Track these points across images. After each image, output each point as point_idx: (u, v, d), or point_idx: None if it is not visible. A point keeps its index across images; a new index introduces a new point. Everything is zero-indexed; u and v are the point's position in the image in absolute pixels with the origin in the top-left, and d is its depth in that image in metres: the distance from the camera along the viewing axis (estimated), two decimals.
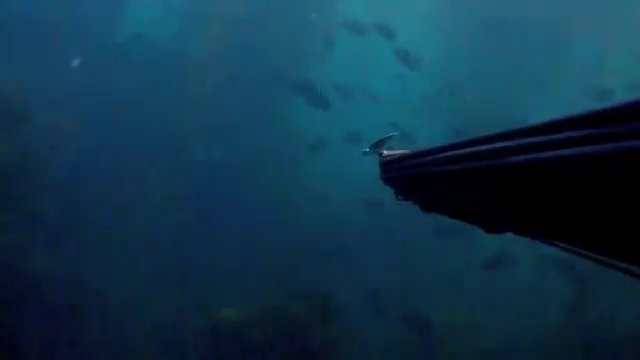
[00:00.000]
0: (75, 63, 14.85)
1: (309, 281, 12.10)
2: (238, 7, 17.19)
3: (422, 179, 1.78)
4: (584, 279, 10.44)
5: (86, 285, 11.70)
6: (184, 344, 10.85)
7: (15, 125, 12.63)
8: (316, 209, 16.51)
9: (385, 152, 2.34)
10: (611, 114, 0.81)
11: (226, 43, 16.67)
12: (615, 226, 0.92)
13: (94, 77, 15.41)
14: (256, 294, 11.49)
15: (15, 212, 11.53)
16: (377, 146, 2.32)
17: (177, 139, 15.69)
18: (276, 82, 17.18)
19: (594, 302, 10.73)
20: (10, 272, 10.65)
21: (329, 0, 19.99)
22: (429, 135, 16.09)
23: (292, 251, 14.28)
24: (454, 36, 19.53)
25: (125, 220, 14.08)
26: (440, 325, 12.31)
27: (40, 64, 14.62)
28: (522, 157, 1.03)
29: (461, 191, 1.53)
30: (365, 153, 2.42)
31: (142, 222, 14.22)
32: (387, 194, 2.34)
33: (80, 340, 10.72)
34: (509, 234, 1.49)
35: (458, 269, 14.57)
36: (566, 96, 17.51)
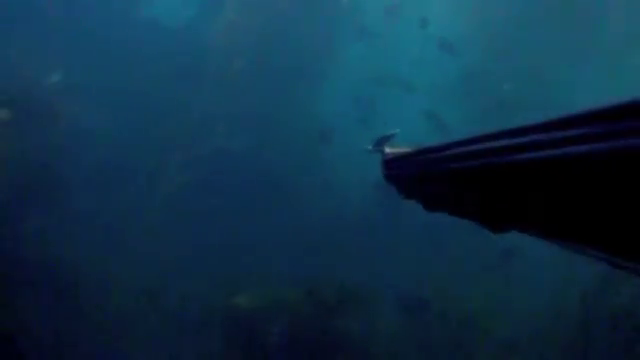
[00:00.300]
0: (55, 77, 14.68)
1: (328, 271, 12.03)
2: None
3: (425, 177, 1.77)
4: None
5: (105, 271, 11.92)
6: (199, 330, 10.97)
7: (44, 123, 12.86)
8: (340, 197, 16.25)
9: (387, 150, 2.31)
10: (614, 112, 0.81)
11: (246, 28, 16.45)
12: (619, 225, 0.91)
13: (112, 65, 15.46)
14: (271, 282, 11.53)
15: (38, 201, 11.80)
16: (380, 143, 2.30)
17: (196, 126, 15.68)
18: (301, 68, 16.96)
19: (617, 288, 10.57)
20: (33, 258, 10.96)
21: None
22: (464, 121, 15.87)
23: (312, 239, 14.17)
24: (487, 15, 18.96)
25: (144, 208, 14.19)
26: (459, 314, 12.24)
27: (59, 53, 14.80)
28: (526, 155, 1.03)
29: (464, 189, 1.51)
30: (368, 151, 2.41)
31: (161, 210, 14.32)
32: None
33: (98, 325, 10.94)
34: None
35: (477, 257, 14.40)
36: (607, 73, 16.91)
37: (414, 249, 14.38)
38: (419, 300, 12.11)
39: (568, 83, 16.31)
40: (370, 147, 2.49)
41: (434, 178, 1.65)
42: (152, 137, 15.15)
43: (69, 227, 12.32)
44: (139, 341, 11.11)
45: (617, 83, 16.11)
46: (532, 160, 1.01)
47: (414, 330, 11.81)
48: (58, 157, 12.82)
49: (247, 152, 15.48)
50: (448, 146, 1.44)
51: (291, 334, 10.39)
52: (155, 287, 12.17)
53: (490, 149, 1.17)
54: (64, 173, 12.83)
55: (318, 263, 12.87)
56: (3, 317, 9.96)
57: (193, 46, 16.37)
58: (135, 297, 11.97)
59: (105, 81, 14.99)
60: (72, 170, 13.05)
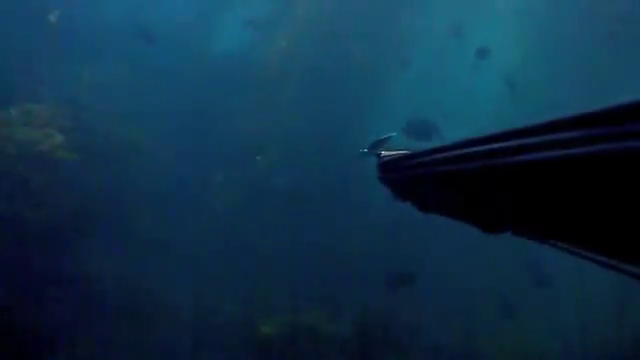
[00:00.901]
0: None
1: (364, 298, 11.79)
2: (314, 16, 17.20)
3: (420, 179, 1.76)
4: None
5: (148, 288, 12.19)
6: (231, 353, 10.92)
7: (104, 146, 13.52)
8: (385, 224, 15.88)
9: (383, 153, 2.29)
10: (611, 114, 0.81)
11: (297, 56, 16.71)
12: (614, 227, 0.92)
13: (168, 90, 16.10)
14: (302, 308, 11.41)
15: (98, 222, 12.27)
16: (375, 147, 2.28)
17: (245, 147, 15.98)
18: (351, 97, 17.01)
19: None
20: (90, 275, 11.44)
21: (407, 10, 19.40)
22: None
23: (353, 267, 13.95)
24: (550, 43, 18.43)
25: (189, 225, 14.44)
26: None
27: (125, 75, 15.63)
28: (521, 157, 1.02)
29: (460, 191, 1.52)
30: (364, 154, 2.39)
31: (206, 229, 14.52)
32: None
33: (139, 341, 11.10)
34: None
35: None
36: None
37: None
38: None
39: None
40: (366, 150, 2.47)
41: (430, 180, 1.65)
42: (201, 157, 15.57)
43: (124, 246, 12.71)
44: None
45: None
46: (528, 162, 1.00)
47: None
48: (116, 178, 13.35)
49: (292, 181, 15.54)
50: (443, 149, 1.44)
51: None
52: (203, 305, 12.24)
53: (484, 152, 1.17)
54: (121, 193, 13.32)
55: (359, 292, 12.61)
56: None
57: (246, 72, 16.78)
58: (176, 314, 12.06)
59: (160, 105, 15.63)
60: (128, 190, 13.53)
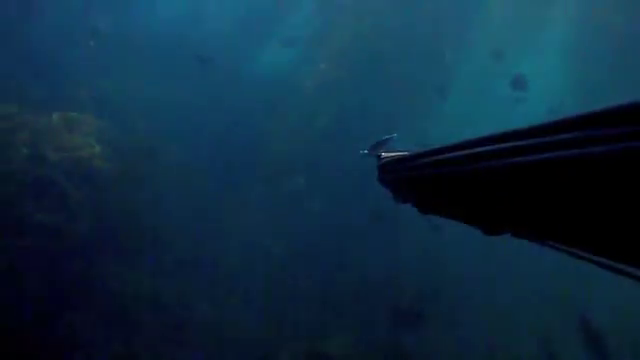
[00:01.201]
0: None
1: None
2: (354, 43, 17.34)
3: (420, 180, 1.77)
4: None
5: (174, 303, 12.22)
6: None
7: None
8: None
9: (383, 154, 2.25)
10: (612, 115, 0.82)
11: (334, 79, 16.78)
12: (615, 228, 0.91)
13: (205, 105, 16.39)
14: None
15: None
16: (376, 148, 2.23)
17: (274, 169, 16.09)
18: (386, 121, 16.97)
19: None
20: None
21: (449, 38, 19.32)
22: None
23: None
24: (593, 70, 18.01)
25: (216, 246, 14.47)
26: None
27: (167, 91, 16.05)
28: (521, 158, 1.03)
29: (460, 192, 1.52)
30: (363, 155, 2.33)
31: (234, 249, 14.53)
32: None
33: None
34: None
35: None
36: None
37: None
38: None
39: None
40: (366, 151, 2.42)
41: (430, 181, 1.66)
42: (235, 175, 15.70)
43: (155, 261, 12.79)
44: None
45: None
46: (529, 163, 1.00)
47: None
48: (150, 193, 13.55)
49: (324, 204, 15.47)
50: (444, 150, 1.44)
51: None
52: (231, 327, 12.15)
53: (484, 153, 1.18)
54: (155, 209, 13.49)
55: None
56: None
57: (285, 92, 16.95)
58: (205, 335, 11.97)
59: (197, 122, 15.91)
60: (161, 206, 13.69)
